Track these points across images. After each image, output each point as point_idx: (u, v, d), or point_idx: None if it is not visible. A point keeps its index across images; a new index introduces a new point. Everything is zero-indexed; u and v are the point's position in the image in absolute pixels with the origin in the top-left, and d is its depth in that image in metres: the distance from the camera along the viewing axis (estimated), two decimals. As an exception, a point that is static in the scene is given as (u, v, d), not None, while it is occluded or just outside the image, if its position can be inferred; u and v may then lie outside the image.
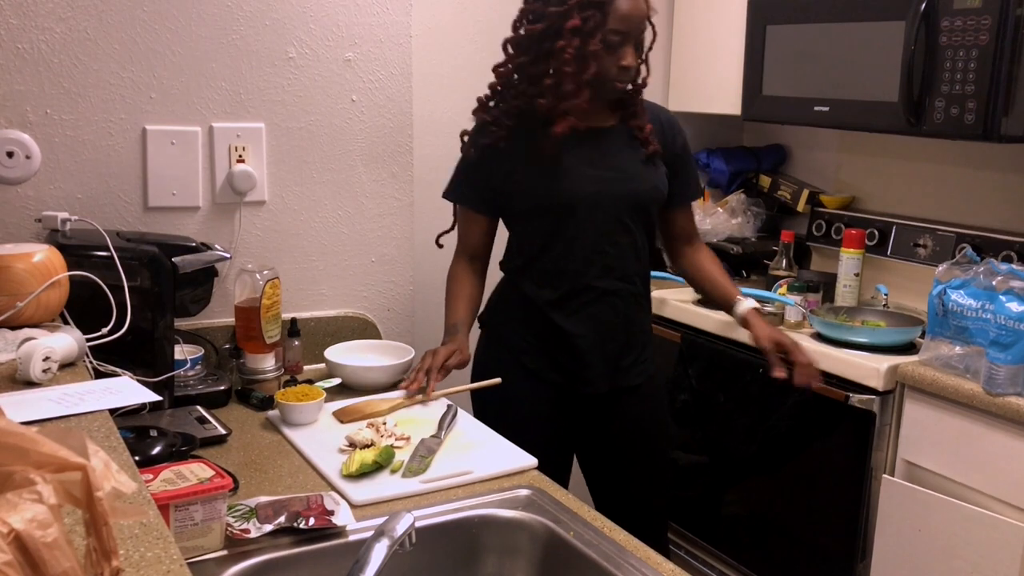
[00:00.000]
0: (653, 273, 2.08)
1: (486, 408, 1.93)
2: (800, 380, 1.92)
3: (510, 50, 1.87)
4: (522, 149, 1.87)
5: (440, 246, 2.06)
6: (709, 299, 2.20)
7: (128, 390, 1.29)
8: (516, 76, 1.87)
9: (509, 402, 1.91)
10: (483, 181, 1.93)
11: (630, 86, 1.87)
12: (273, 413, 1.76)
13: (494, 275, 2.07)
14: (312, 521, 1.29)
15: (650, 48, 1.88)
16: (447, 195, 2.01)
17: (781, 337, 1.96)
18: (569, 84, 1.77)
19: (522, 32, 1.84)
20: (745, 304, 2.01)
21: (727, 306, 2.05)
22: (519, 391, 1.92)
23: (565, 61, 1.76)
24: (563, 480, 1.97)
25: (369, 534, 1.11)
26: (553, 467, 1.91)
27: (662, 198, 1.95)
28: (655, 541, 2.03)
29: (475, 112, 1.94)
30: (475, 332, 2.03)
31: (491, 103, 1.92)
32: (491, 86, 1.92)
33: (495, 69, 1.91)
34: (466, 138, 1.95)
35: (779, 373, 1.92)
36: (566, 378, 1.93)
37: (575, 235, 1.87)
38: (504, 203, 1.94)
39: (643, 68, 1.88)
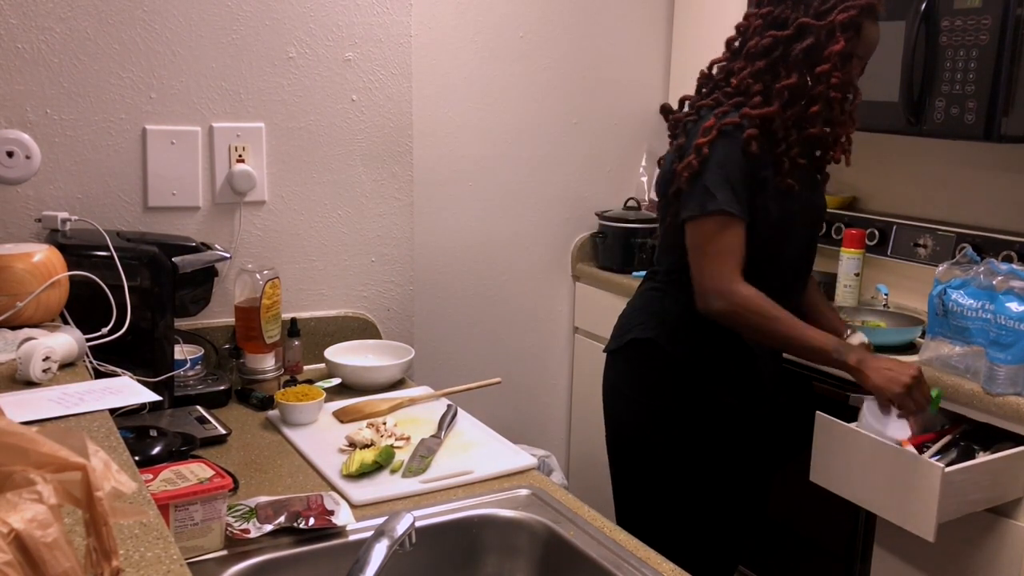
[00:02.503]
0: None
1: (653, 442, 1.87)
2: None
3: (754, 54, 1.74)
4: (764, 160, 1.73)
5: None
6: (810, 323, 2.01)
7: (128, 390, 1.29)
8: (756, 83, 1.74)
9: (687, 430, 1.84)
10: (750, 190, 1.73)
11: None
12: (273, 413, 1.76)
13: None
14: (312, 521, 1.29)
15: (860, 73, 1.80)
16: (727, 209, 1.69)
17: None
18: (839, 112, 1.71)
19: (768, 38, 1.72)
20: (858, 337, 1.90)
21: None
22: (696, 416, 1.84)
23: (833, 86, 1.69)
24: (748, 503, 1.94)
25: (369, 534, 1.11)
26: (732, 489, 1.91)
27: None
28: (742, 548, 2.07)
29: (722, 116, 1.74)
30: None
31: (746, 112, 1.72)
32: (725, 84, 1.79)
33: (715, 62, 1.82)
34: (712, 143, 1.71)
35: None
36: (740, 399, 1.84)
37: (786, 254, 1.81)
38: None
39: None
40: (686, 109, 1.88)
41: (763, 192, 1.74)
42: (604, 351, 1.98)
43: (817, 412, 1.91)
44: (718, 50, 1.86)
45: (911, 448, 1.79)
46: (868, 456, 1.80)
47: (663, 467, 1.88)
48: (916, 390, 1.69)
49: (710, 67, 1.85)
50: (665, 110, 1.87)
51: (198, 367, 1.86)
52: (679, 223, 1.77)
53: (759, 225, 1.75)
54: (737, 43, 1.80)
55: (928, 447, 1.90)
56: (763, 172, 1.73)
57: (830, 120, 1.74)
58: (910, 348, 2.21)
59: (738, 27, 1.80)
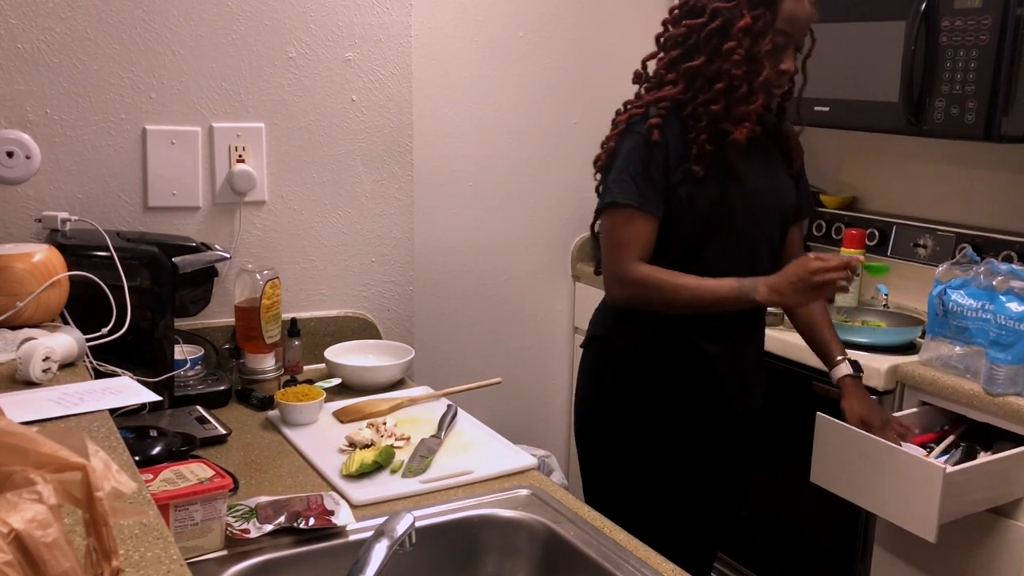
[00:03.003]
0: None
1: (608, 436, 1.86)
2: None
3: (668, 45, 1.76)
4: (682, 149, 1.72)
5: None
6: (806, 341, 1.96)
7: (128, 390, 1.29)
8: (669, 72, 1.75)
9: (641, 427, 1.82)
10: (660, 180, 1.72)
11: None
12: (273, 413, 1.76)
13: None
14: (312, 521, 1.29)
15: (808, 55, 1.80)
16: (620, 201, 1.72)
17: (870, 417, 1.83)
18: (742, 88, 1.67)
19: (682, 27, 1.72)
20: (842, 369, 1.86)
21: (825, 360, 1.91)
22: (648, 416, 1.81)
23: (735, 63, 1.66)
24: (714, 504, 1.92)
25: (369, 534, 1.11)
26: (689, 488, 1.87)
27: (798, 213, 1.89)
28: (713, 551, 2.04)
29: (632, 107, 1.78)
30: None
31: (647, 98, 1.75)
32: (648, 79, 1.80)
33: (646, 60, 1.81)
34: (618, 137, 1.76)
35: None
36: (697, 400, 1.81)
37: (725, 248, 1.75)
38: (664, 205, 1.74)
39: (800, 76, 1.79)
40: None
41: (686, 182, 1.72)
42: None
43: (817, 412, 1.90)
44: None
45: (912, 448, 1.80)
46: (868, 456, 1.80)
47: (619, 461, 1.87)
48: (829, 273, 1.59)
49: (643, 65, 1.85)
50: (618, 113, 1.87)
51: (198, 367, 1.86)
52: None
53: (684, 216, 1.73)
54: (662, 38, 1.80)
55: (931, 447, 1.90)
56: (685, 163, 1.71)
57: (734, 97, 1.69)
58: (910, 348, 2.21)
59: (663, 22, 1.79)
